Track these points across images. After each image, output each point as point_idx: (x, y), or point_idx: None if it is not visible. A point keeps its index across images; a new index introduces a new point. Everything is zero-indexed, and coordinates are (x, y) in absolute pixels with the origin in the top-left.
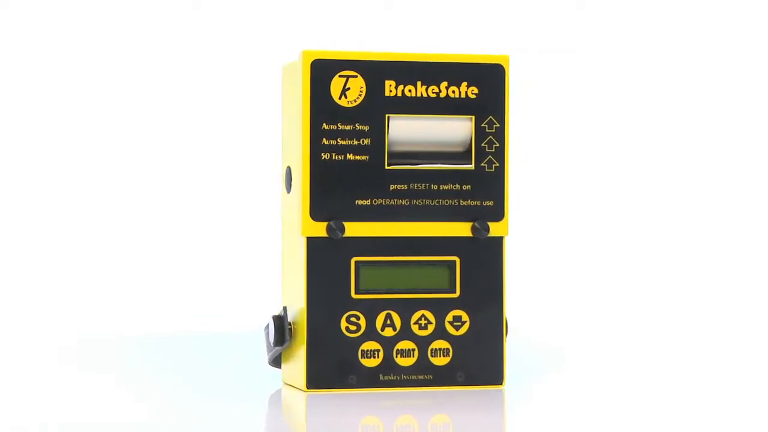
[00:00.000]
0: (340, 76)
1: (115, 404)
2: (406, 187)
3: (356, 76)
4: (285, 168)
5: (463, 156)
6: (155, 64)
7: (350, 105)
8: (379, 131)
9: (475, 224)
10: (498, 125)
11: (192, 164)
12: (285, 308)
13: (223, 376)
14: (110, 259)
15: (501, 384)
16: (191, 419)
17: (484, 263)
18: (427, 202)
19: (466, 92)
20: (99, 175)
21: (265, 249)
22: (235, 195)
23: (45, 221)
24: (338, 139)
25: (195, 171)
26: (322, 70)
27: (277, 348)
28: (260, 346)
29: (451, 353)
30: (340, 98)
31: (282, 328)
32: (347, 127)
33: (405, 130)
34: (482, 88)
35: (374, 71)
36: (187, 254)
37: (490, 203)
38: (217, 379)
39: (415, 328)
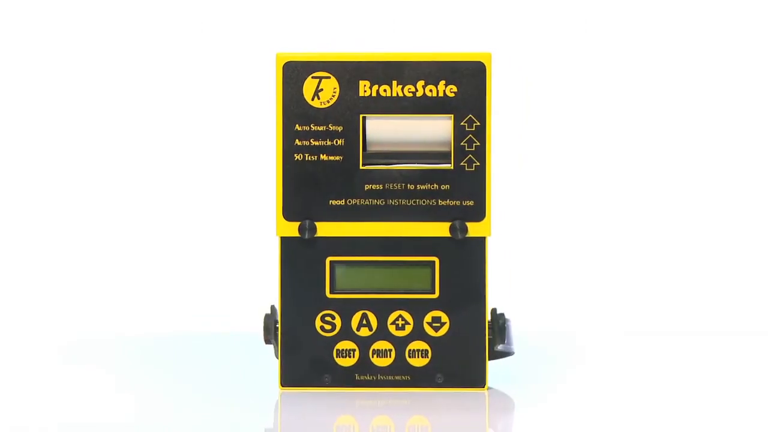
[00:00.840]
0: (312, 77)
1: (115, 404)
2: (381, 187)
3: (329, 77)
4: None
5: (442, 155)
6: (154, 64)
7: (323, 106)
8: (353, 132)
9: (454, 224)
10: (479, 124)
11: (192, 163)
12: (272, 306)
13: (223, 376)
14: (110, 259)
15: (483, 387)
16: (191, 419)
17: (465, 264)
18: (404, 202)
19: (445, 91)
20: (98, 175)
21: (265, 249)
22: (236, 194)
23: (44, 221)
24: (311, 140)
25: (195, 170)
26: (295, 72)
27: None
28: (260, 346)
29: (429, 354)
30: (312, 99)
31: (267, 327)
32: (320, 128)
33: (381, 130)
34: (462, 87)
35: (347, 72)
36: (187, 254)
37: (471, 203)
38: (216, 379)
39: (392, 329)
